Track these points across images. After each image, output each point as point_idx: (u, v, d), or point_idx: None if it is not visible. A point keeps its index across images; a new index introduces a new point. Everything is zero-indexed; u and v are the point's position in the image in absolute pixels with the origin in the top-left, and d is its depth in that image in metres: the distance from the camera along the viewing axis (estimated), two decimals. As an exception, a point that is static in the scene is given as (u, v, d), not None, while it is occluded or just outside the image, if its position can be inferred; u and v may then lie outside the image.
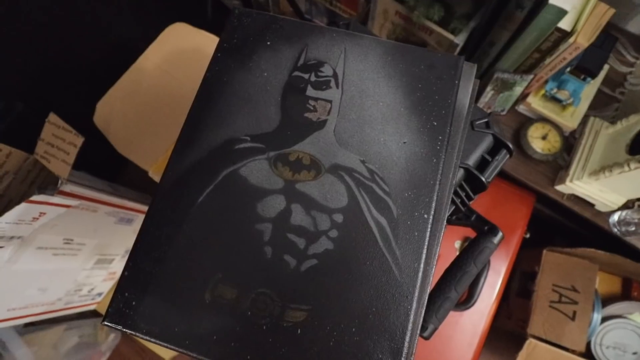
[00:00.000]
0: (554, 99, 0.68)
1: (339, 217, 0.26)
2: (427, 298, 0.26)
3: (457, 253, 0.69)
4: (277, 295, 0.24)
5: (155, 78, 0.66)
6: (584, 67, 0.62)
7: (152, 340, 0.24)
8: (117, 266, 0.79)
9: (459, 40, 0.59)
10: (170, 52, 0.68)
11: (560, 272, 0.78)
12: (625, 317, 0.78)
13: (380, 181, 0.27)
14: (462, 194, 0.35)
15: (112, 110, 0.64)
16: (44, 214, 0.50)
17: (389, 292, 0.24)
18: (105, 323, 0.25)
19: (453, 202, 0.35)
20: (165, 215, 0.26)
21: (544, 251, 0.81)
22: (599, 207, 0.65)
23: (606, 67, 0.69)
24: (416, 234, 0.25)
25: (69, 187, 0.54)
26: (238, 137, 0.28)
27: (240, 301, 0.24)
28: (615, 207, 0.63)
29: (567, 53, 0.56)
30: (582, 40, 0.52)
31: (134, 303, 0.25)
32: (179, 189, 0.27)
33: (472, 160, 0.34)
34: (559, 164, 0.70)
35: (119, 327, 0.24)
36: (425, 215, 0.26)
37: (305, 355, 0.23)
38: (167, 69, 0.67)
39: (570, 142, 0.69)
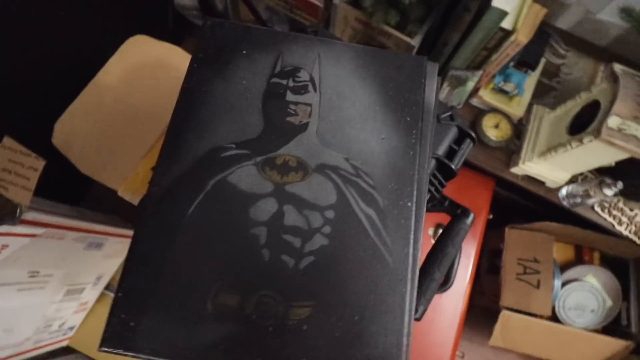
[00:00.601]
0: (502, 91, 0.75)
1: (330, 214, 0.27)
2: (417, 280, 0.28)
3: (432, 239, 0.73)
4: (280, 296, 0.25)
5: (118, 92, 0.63)
6: (525, 61, 0.68)
7: (155, 359, 0.24)
8: (89, 295, 0.75)
9: (415, 42, 0.63)
10: (132, 65, 0.65)
11: (522, 246, 0.85)
12: (581, 280, 0.86)
13: (364, 176, 0.28)
14: (436, 182, 0.38)
15: (72, 130, 0.61)
16: (6, 246, 0.46)
17: (384, 278, 0.26)
18: (103, 349, 0.24)
19: (428, 190, 0.37)
20: (156, 229, 0.26)
21: (506, 229, 0.88)
22: (549, 184, 0.72)
23: (543, 60, 0.77)
24: (403, 221, 0.27)
25: (31, 215, 0.50)
26: (223, 145, 0.28)
27: (243, 306, 0.25)
28: (563, 182, 0.71)
29: (510, 49, 0.62)
30: (522, 37, 0.58)
31: (132, 324, 0.24)
32: (167, 202, 0.27)
33: (441, 151, 0.37)
34: (511, 149, 0.76)
35: (119, 351, 0.24)
36: (409, 204, 0.28)
37: (314, 350, 0.24)
38: (129, 83, 0.64)
39: (519, 129, 0.76)
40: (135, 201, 0.62)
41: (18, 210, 0.50)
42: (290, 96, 0.30)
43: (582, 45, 0.83)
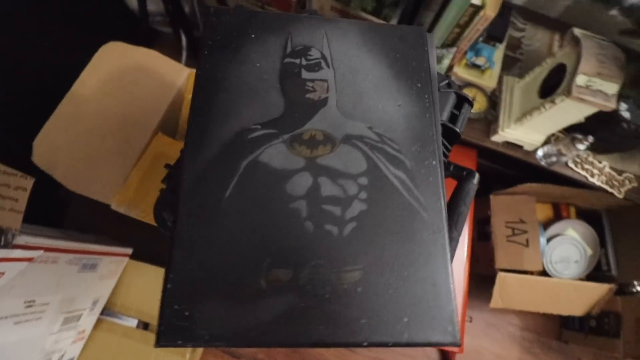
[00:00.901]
0: (474, 66, 0.79)
1: (363, 180, 0.28)
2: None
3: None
4: (330, 264, 0.26)
5: (97, 103, 0.60)
6: (493, 35, 0.73)
7: (217, 345, 0.24)
8: (86, 323, 0.70)
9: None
10: (108, 72, 0.62)
11: (507, 210, 0.90)
12: (562, 235, 0.93)
13: (389, 142, 0.30)
14: (442, 147, 0.39)
15: (53, 146, 0.57)
16: (3, 273, 0.43)
17: (424, 232, 0.27)
18: (161, 344, 0.23)
19: (438, 155, 0.39)
20: (196, 216, 0.26)
21: (491, 196, 0.93)
22: (527, 147, 0.78)
23: (507, 33, 0.82)
24: (431, 179, 0.29)
25: (23, 239, 0.47)
26: (248, 127, 0.28)
27: (297, 279, 0.25)
28: (539, 144, 0.76)
29: (480, 24, 0.66)
30: (490, 12, 0.62)
31: (186, 313, 0.24)
32: (202, 189, 0.26)
33: (444, 116, 0.39)
34: (489, 119, 0.81)
35: (178, 343, 0.23)
36: (434, 162, 0.29)
37: (372, 310, 0.25)
38: (108, 91, 0.62)
39: (493, 100, 0.81)
40: (131, 213, 0.59)
41: (4, 238, 0.46)
42: (305, 74, 0.31)
43: (537, 18, 0.90)
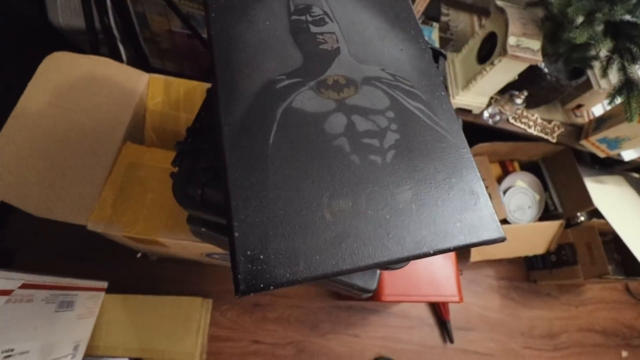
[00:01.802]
0: (418, 45, 0.87)
1: (390, 114, 0.30)
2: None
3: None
4: (382, 188, 0.27)
5: (51, 117, 0.54)
6: (430, 15, 0.82)
7: (299, 281, 0.23)
8: (68, 372, 0.61)
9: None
10: (58, 84, 0.57)
11: (468, 173, 1.00)
12: (513, 186, 1.06)
13: (402, 79, 0.32)
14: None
15: (7, 171, 0.50)
16: (-21, 313, 0.36)
17: (451, 151, 0.30)
18: (242, 291, 0.22)
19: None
20: (246, 166, 0.25)
21: (452, 164, 1.02)
22: (475, 111, 0.88)
23: (440, 14, 0.93)
24: (444, 106, 0.32)
25: (-7, 274, 0.40)
26: (275, 78, 0.29)
27: (357, 205, 0.26)
28: (484, 106, 0.86)
29: (420, 6, 0.74)
30: (428, -9, 0.70)
31: (261, 256, 0.23)
32: (245, 139, 0.26)
33: (427, 68, 0.44)
34: (439, 92, 0.90)
35: (260, 287, 0.22)
36: (443, 93, 0.33)
37: (428, 222, 0.27)
38: (61, 104, 0.56)
39: (439, 74, 0.90)
40: (112, 230, 0.54)
41: None
42: (314, 28, 0.32)
43: (456, 5, 1.03)
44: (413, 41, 0.35)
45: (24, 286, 0.45)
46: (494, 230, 0.28)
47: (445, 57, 0.46)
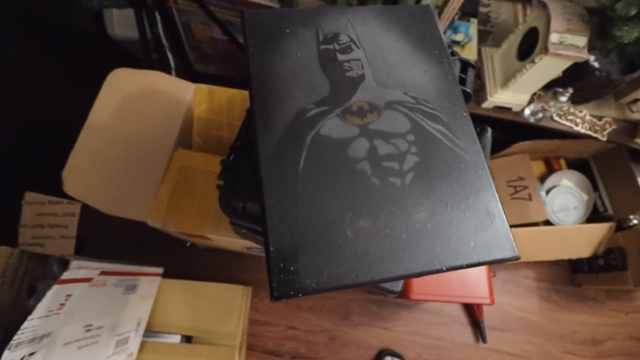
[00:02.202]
0: (455, 42, 0.85)
1: (410, 137, 0.32)
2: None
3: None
4: (400, 209, 0.30)
5: (116, 128, 0.63)
6: (467, 11, 0.80)
7: (324, 290, 0.27)
8: (133, 345, 0.71)
9: (378, 14, 0.71)
10: (120, 98, 0.65)
11: (506, 170, 0.97)
12: (558, 185, 1.01)
13: (424, 102, 0.34)
14: (459, 108, 0.44)
15: (82, 174, 0.59)
16: (70, 296, 0.45)
17: (469, 172, 0.32)
18: (276, 296, 0.26)
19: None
20: (279, 189, 0.29)
21: (489, 161, 1.00)
22: (515, 108, 0.84)
23: (478, 7, 0.89)
24: (465, 127, 0.34)
25: (76, 264, 0.49)
26: (305, 107, 0.32)
27: (376, 225, 0.29)
28: (525, 104, 0.83)
29: (456, 3, 0.72)
30: (464, -11, 0.68)
31: (292, 268, 0.27)
32: (278, 165, 0.30)
33: (455, 81, 0.45)
34: (476, 89, 0.87)
35: (290, 294, 0.27)
36: (465, 114, 0.34)
37: (443, 240, 0.29)
38: (123, 116, 0.64)
39: (477, 70, 0.87)
40: (167, 227, 0.62)
41: (49, 271, 0.48)
42: (340, 56, 0.35)
43: (500, -7, 0.98)
44: (437, 62, 0.36)
45: (101, 273, 0.54)
46: (508, 249, 0.30)
47: (474, 68, 0.46)
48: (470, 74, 0.46)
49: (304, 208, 0.29)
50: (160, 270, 0.81)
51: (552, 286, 1.09)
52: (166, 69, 1.08)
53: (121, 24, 1.01)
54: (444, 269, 0.28)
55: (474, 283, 0.76)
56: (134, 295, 0.68)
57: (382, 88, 0.34)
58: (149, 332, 0.79)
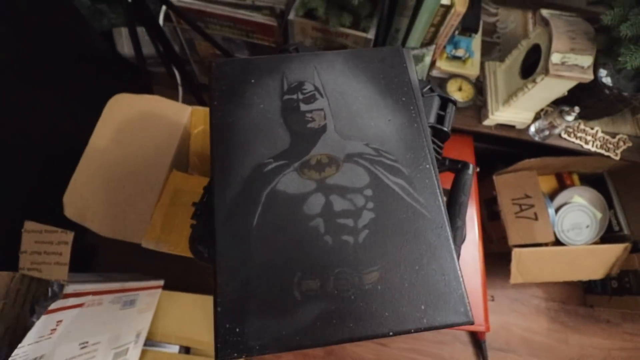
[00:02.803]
0: (455, 58, 0.83)
1: (368, 192, 0.32)
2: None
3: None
4: (351, 269, 0.30)
5: (114, 153, 0.66)
6: (467, 27, 0.77)
7: (267, 352, 0.28)
8: (133, 355, 0.75)
9: (371, 35, 0.70)
10: (119, 123, 0.68)
11: (511, 188, 0.93)
12: (569, 202, 0.96)
13: (385, 154, 0.34)
14: (435, 146, 0.43)
15: (81, 198, 0.62)
16: (61, 321, 0.48)
17: (428, 229, 0.31)
18: (220, 357, 0.27)
19: (432, 154, 0.43)
20: (231, 247, 0.30)
21: (494, 177, 0.96)
22: (518, 126, 0.81)
23: (480, 21, 0.86)
24: (427, 180, 0.33)
25: (72, 288, 0.52)
26: (263, 162, 0.33)
27: (325, 286, 0.29)
28: (529, 121, 0.79)
29: (453, 20, 0.70)
30: (460, 8, 0.66)
31: (237, 329, 0.28)
32: (233, 222, 0.31)
33: (432, 119, 0.43)
34: (478, 105, 0.84)
35: (234, 356, 0.27)
36: (427, 166, 0.33)
37: (392, 303, 0.29)
38: (121, 140, 0.67)
39: (479, 86, 0.84)
40: (161, 248, 0.64)
41: (50, 291, 0.51)
42: (303, 107, 0.35)
43: (507, 0, 0.94)
44: (403, 109, 0.36)
45: (95, 293, 0.57)
46: (461, 314, 0.29)
47: (454, 104, 0.45)
48: (451, 110, 0.45)
49: (254, 268, 0.29)
50: (160, 282, 0.84)
51: (562, 306, 1.05)
52: (173, 82, 1.11)
53: (129, 44, 1.05)
54: (391, 333, 0.28)
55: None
56: (133, 310, 0.72)
57: (343, 140, 0.34)
58: (150, 340, 0.83)
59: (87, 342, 0.58)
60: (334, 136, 0.34)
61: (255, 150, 0.33)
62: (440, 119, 0.44)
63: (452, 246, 0.31)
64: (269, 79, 0.36)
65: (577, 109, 0.71)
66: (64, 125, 0.85)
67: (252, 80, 0.36)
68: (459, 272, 0.30)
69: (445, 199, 0.34)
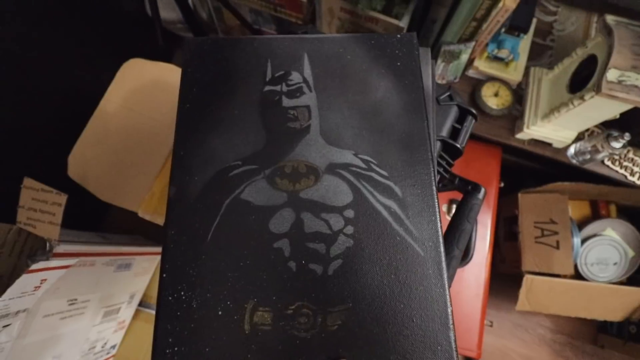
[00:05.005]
0: (497, 59, 0.74)
1: (349, 213, 0.27)
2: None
3: (447, 216, 0.74)
4: (314, 304, 0.25)
5: (122, 118, 0.65)
6: (516, 25, 0.68)
7: None
8: (125, 314, 0.78)
9: (403, 23, 0.63)
10: (130, 89, 0.67)
11: (537, 209, 0.85)
12: (600, 235, 0.87)
13: (377, 168, 0.28)
14: (444, 163, 0.38)
15: (85, 160, 0.63)
16: (45, 280, 0.49)
17: (418, 271, 0.26)
18: None
19: (438, 171, 0.38)
20: (179, 260, 0.26)
21: (519, 195, 0.88)
22: (556, 145, 0.72)
23: (534, 20, 0.75)
24: (425, 207, 0.27)
25: (62, 248, 0.53)
26: (229, 165, 0.28)
27: (279, 320, 0.25)
28: (570, 141, 0.70)
29: (499, 16, 0.61)
30: (510, 2, 0.57)
31: (175, 357, 0.24)
32: (186, 232, 0.27)
33: (445, 132, 0.38)
34: (513, 115, 0.76)
35: None
36: (428, 189, 0.28)
37: (362, 349, 0.24)
38: (131, 107, 0.66)
39: (519, 94, 0.76)
40: (156, 220, 0.64)
41: (48, 245, 0.52)
42: (286, 101, 0.30)
43: (573, -1, 0.82)
44: (407, 118, 0.30)
45: (86, 254, 0.59)
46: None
47: (475, 117, 0.39)
48: (469, 124, 0.39)
49: (200, 287, 0.26)
50: (159, 249, 0.86)
51: (569, 341, 0.98)
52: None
53: (160, 4, 1.03)
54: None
55: (463, 330, 0.70)
56: (128, 273, 0.74)
57: (327, 145, 0.29)
58: (145, 302, 0.85)
59: (76, 299, 0.60)
60: (318, 140, 0.29)
61: (222, 150, 0.29)
62: (455, 133, 0.39)
63: (449, 307, 0.25)
64: (251, 65, 0.31)
65: (627, 135, 0.62)
66: (84, 81, 0.86)
67: (231, 64, 0.31)
68: (453, 340, 0.24)
69: (442, 232, 0.28)
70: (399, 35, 0.32)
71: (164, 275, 0.26)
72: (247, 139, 0.29)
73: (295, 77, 0.31)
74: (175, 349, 0.24)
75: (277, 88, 0.30)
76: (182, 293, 0.26)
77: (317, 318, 0.25)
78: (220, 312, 0.25)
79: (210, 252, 0.26)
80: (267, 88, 0.30)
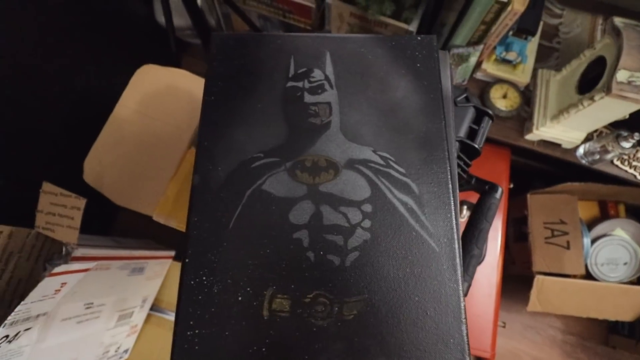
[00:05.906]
0: (505, 61, 0.75)
1: (367, 207, 0.28)
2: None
3: (463, 216, 0.74)
4: (332, 294, 0.26)
5: (136, 123, 0.66)
6: (524, 28, 0.69)
7: None
8: (137, 318, 0.78)
9: (413, 27, 0.64)
10: (144, 94, 0.68)
11: (546, 210, 0.85)
12: (610, 235, 0.86)
13: (395, 165, 0.29)
14: (461, 163, 0.39)
15: (100, 165, 0.64)
16: (65, 283, 0.50)
17: (433, 266, 0.26)
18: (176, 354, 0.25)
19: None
20: (202, 247, 0.27)
21: (528, 196, 0.88)
22: (565, 145, 0.73)
23: (540, 23, 0.76)
24: (441, 204, 0.28)
25: (80, 251, 0.54)
26: (252, 156, 0.29)
27: (297, 308, 0.25)
28: (579, 142, 0.71)
29: (508, 19, 0.62)
30: (518, 6, 0.58)
31: (196, 339, 0.25)
32: (209, 220, 0.27)
33: (462, 133, 0.39)
34: (522, 117, 0.77)
35: None
36: (445, 187, 0.28)
37: (376, 339, 0.25)
38: (145, 112, 0.67)
39: (527, 96, 0.76)
40: (170, 223, 0.65)
41: (64, 249, 0.53)
42: (308, 97, 0.31)
43: (577, 1, 0.83)
44: (426, 117, 0.31)
45: (104, 258, 0.59)
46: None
47: (492, 118, 0.40)
48: (486, 125, 0.40)
49: (222, 273, 0.26)
50: (171, 253, 0.87)
51: (580, 342, 0.97)
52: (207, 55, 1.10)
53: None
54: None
55: (476, 331, 0.70)
56: (141, 277, 0.74)
57: (347, 141, 0.30)
58: (156, 306, 0.86)
59: (92, 303, 0.60)
60: (338, 136, 0.30)
61: (245, 142, 0.29)
62: (473, 133, 0.40)
63: (461, 294, 0.26)
64: (275, 60, 0.32)
65: (637, 135, 0.62)
66: (97, 87, 0.88)
67: (255, 60, 0.32)
68: (463, 319, 0.25)
69: (459, 229, 0.29)
70: (419, 38, 0.33)
71: (187, 260, 0.27)
72: (269, 132, 0.30)
73: (317, 74, 0.32)
74: (196, 331, 0.25)
75: (300, 84, 0.31)
76: (204, 278, 0.26)
77: (333, 307, 0.26)
78: (240, 298, 0.26)
79: (232, 239, 0.27)
80: (290, 84, 0.31)
